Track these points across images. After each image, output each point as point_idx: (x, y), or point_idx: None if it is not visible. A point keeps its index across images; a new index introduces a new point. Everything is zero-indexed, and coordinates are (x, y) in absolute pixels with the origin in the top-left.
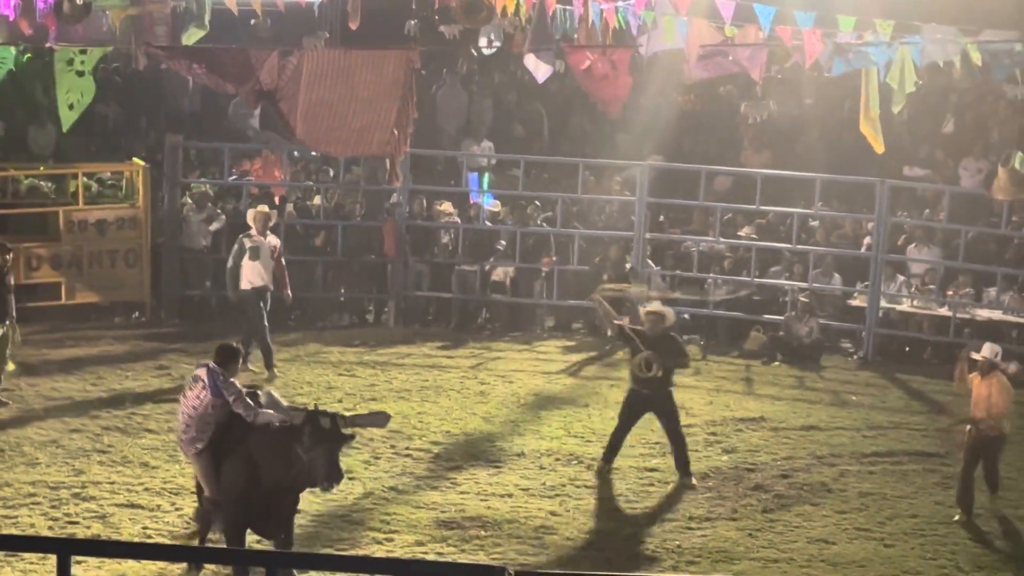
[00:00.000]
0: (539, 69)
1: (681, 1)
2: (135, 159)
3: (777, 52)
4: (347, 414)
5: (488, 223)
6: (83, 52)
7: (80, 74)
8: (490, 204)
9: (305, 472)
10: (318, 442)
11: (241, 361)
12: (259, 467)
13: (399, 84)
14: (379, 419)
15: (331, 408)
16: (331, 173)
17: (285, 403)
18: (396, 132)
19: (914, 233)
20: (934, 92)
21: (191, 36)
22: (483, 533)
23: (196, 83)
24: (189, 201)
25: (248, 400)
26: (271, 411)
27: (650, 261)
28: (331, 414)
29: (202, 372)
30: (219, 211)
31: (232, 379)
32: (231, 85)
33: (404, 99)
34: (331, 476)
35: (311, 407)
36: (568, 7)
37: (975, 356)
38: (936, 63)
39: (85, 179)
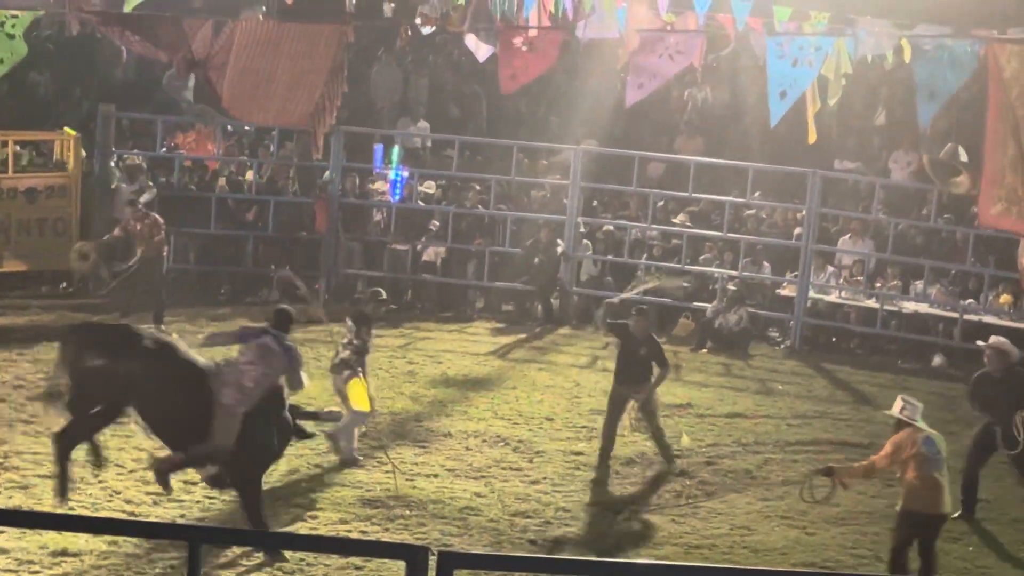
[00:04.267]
0: (480, 49)
1: None
2: (67, 128)
3: (716, 39)
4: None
5: (421, 203)
6: (15, 16)
7: (11, 36)
8: (401, 186)
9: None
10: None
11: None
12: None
13: (330, 58)
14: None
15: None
16: (271, 148)
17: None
18: (321, 105)
19: (845, 225)
20: (865, 84)
21: (130, 2)
22: (408, 513)
23: (129, 51)
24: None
25: None
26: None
27: (587, 242)
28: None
29: (270, 341)
30: (150, 183)
31: None
32: (163, 53)
33: (333, 73)
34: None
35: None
36: None
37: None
38: (865, 56)
39: (16, 147)
